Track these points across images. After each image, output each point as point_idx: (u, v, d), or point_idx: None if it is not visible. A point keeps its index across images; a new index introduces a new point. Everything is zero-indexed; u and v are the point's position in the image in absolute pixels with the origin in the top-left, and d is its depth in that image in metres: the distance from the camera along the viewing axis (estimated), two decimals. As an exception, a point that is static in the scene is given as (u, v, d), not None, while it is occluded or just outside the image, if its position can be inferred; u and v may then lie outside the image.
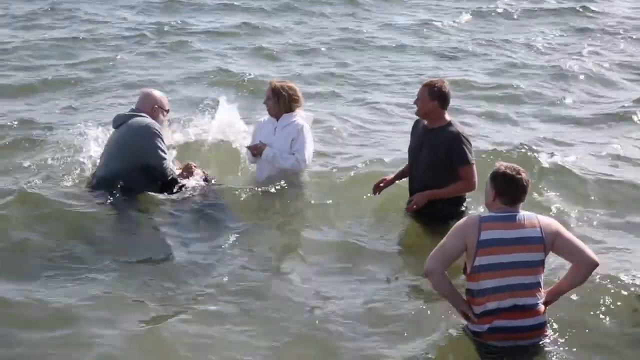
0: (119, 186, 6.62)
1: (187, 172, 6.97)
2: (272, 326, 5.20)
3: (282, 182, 6.90)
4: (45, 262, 5.90)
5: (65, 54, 12.22)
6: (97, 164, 7.03)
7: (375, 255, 6.25)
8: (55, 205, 6.59)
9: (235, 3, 16.01)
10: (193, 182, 6.92)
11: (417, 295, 5.65)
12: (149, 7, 15.62)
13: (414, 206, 6.37)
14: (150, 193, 6.71)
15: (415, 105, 6.40)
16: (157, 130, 6.69)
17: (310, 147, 6.94)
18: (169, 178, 6.76)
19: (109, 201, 6.61)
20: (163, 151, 6.70)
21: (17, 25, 13.92)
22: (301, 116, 6.97)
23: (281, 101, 6.90)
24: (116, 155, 6.72)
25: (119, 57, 12.02)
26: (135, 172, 6.62)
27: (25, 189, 6.73)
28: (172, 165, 6.88)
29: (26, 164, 7.54)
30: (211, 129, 8.00)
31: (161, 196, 6.76)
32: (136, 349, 4.91)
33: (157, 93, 7.04)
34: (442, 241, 4.94)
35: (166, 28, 13.92)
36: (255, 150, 6.98)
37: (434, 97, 6.23)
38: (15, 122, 8.85)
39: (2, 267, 5.81)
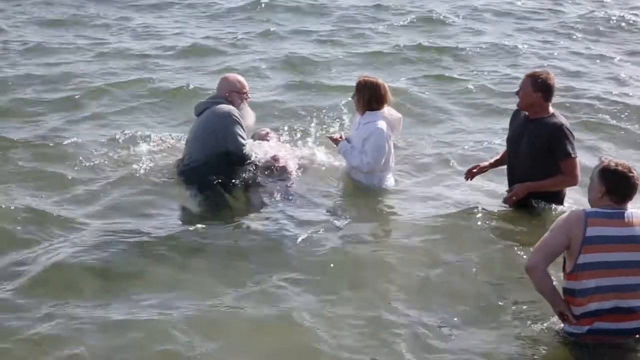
0: (201, 172, 6.64)
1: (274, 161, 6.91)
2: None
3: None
4: (133, 241, 5.91)
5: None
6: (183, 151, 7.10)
7: (471, 248, 6.00)
8: (150, 188, 6.85)
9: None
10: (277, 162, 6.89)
11: (517, 293, 5.37)
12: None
13: (513, 197, 6.17)
14: (230, 178, 6.68)
15: (517, 96, 6.19)
16: (235, 116, 6.67)
17: (380, 151, 6.72)
18: (248, 162, 6.73)
19: (191, 187, 6.71)
20: (242, 137, 6.69)
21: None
22: (385, 117, 6.80)
23: (361, 98, 6.78)
24: (198, 143, 6.74)
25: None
26: (216, 158, 6.63)
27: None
28: (252, 149, 6.81)
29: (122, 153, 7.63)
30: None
31: (239, 181, 6.72)
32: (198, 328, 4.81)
33: (233, 78, 7.02)
34: (544, 236, 4.72)
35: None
36: (334, 142, 6.95)
37: (538, 88, 6.01)
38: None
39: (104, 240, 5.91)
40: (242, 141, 6.67)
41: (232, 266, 5.64)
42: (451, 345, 4.79)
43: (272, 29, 13.23)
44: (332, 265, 5.64)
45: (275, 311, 4.99)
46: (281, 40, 12.81)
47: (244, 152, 6.68)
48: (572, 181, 6.10)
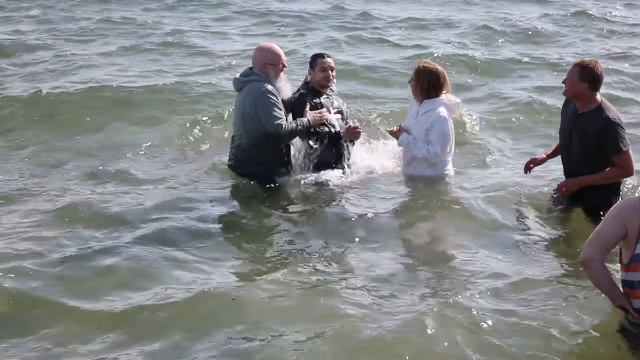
0: (247, 154, 6.63)
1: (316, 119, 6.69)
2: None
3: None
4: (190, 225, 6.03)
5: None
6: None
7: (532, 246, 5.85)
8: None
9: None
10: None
11: (573, 288, 5.12)
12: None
13: (563, 189, 6.00)
14: (278, 158, 6.70)
15: (564, 85, 5.97)
16: (269, 95, 6.43)
17: (445, 139, 6.54)
18: (289, 136, 6.60)
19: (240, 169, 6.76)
20: (277, 116, 6.44)
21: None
22: (444, 103, 6.57)
23: (419, 85, 6.55)
24: (240, 125, 6.66)
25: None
26: (260, 138, 6.52)
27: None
28: (291, 123, 6.59)
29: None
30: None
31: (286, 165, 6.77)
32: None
33: (267, 48, 6.71)
34: (599, 227, 4.43)
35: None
36: (393, 135, 6.74)
37: (585, 78, 5.78)
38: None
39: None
40: (278, 122, 6.42)
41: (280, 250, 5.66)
42: (509, 342, 4.53)
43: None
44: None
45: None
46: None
47: (281, 131, 6.46)
48: (626, 174, 5.94)
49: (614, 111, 5.91)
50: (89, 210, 6.18)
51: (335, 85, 7.03)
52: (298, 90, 6.87)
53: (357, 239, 5.87)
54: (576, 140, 5.91)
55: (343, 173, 6.79)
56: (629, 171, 5.88)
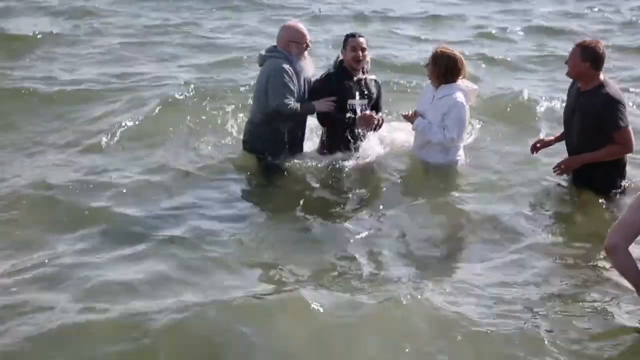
0: (260, 131, 6.64)
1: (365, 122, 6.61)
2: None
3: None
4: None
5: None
6: None
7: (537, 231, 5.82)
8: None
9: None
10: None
11: (598, 284, 5.02)
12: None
13: (562, 166, 6.09)
14: (290, 136, 6.67)
15: (566, 65, 6.04)
16: (284, 73, 6.41)
17: (462, 125, 6.51)
18: (291, 117, 6.54)
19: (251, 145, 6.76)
20: (283, 94, 6.41)
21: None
22: (461, 89, 6.51)
23: (437, 69, 6.49)
24: (255, 99, 6.72)
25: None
26: (268, 114, 6.52)
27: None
28: (296, 105, 6.50)
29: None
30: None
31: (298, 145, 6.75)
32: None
33: (292, 26, 6.68)
34: (623, 214, 4.36)
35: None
36: (408, 120, 6.67)
37: (586, 58, 5.86)
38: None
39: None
40: (282, 99, 6.39)
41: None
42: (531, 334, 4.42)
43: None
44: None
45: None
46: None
47: (283, 110, 6.42)
48: (626, 150, 6.00)
49: (615, 88, 5.98)
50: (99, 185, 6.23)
51: (370, 70, 6.85)
52: (328, 70, 6.82)
53: (359, 222, 5.87)
54: (578, 119, 5.97)
55: (353, 156, 6.70)
56: (629, 147, 5.94)
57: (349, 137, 6.64)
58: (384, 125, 6.81)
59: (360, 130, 6.62)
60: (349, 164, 6.65)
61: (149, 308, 4.42)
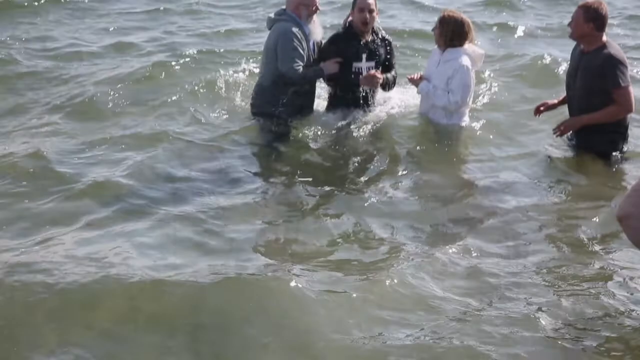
0: (268, 95, 6.58)
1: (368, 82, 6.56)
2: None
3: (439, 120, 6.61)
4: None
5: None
6: None
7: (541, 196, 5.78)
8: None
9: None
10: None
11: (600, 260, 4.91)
12: None
13: (562, 127, 6.10)
14: (300, 101, 6.61)
15: (569, 27, 6.04)
16: (293, 37, 6.37)
17: (466, 89, 6.47)
18: (300, 82, 6.51)
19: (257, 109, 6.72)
20: (292, 58, 6.39)
21: None
22: (468, 53, 6.45)
23: (443, 33, 6.41)
24: (262, 59, 6.71)
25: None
26: (276, 77, 6.48)
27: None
28: (306, 69, 6.48)
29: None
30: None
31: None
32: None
33: None
34: (636, 182, 4.22)
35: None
36: (413, 83, 6.62)
37: (590, 18, 5.86)
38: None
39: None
40: (291, 64, 6.37)
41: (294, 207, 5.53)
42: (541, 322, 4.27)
43: None
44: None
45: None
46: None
47: (292, 75, 6.42)
48: (626, 111, 5.96)
49: (617, 48, 5.98)
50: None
51: (381, 31, 6.77)
52: (337, 31, 6.77)
53: (363, 188, 5.85)
54: (580, 79, 5.98)
55: (359, 118, 6.67)
56: (628, 107, 5.91)
57: (356, 98, 6.62)
58: (395, 88, 6.82)
59: (366, 90, 6.60)
60: (354, 126, 6.62)
61: (142, 279, 4.39)
